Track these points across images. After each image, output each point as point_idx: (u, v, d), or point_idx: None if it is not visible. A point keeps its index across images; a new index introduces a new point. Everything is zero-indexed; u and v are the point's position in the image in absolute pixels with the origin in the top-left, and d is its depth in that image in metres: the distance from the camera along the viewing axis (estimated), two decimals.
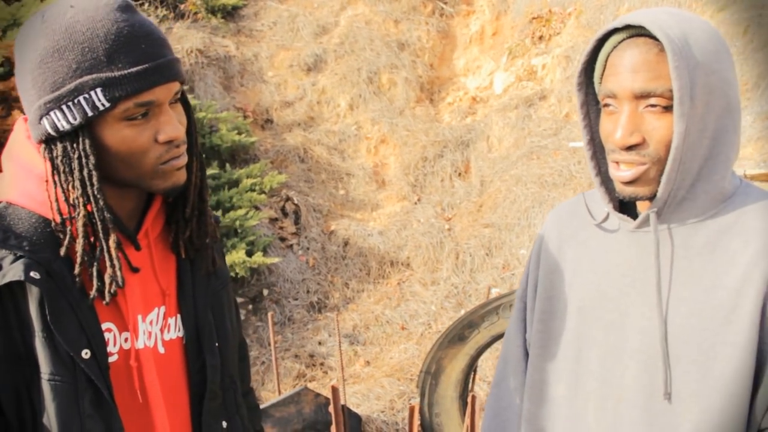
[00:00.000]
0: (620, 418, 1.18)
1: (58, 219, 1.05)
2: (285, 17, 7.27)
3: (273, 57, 6.96)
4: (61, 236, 1.06)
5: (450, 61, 7.32)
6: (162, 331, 1.18)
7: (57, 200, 1.05)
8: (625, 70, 1.10)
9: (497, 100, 6.55)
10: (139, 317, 1.15)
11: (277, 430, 3.21)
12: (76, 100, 1.01)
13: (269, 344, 4.33)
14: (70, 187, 1.05)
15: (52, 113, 1.03)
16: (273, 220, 5.52)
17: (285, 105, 6.61)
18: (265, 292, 5.09)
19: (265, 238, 5.13)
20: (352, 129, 6.49)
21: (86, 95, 1.01)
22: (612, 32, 1.14)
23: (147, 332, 1.16)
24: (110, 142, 1.05)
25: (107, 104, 1.02)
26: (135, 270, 1.13)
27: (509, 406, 1.40)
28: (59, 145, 1.05)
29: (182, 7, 6.85)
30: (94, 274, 1.06)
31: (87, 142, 1.04)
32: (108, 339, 1.10)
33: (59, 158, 1.05)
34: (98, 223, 1.06)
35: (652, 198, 1.15)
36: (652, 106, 1.09)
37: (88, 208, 1.06)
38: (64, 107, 1.02)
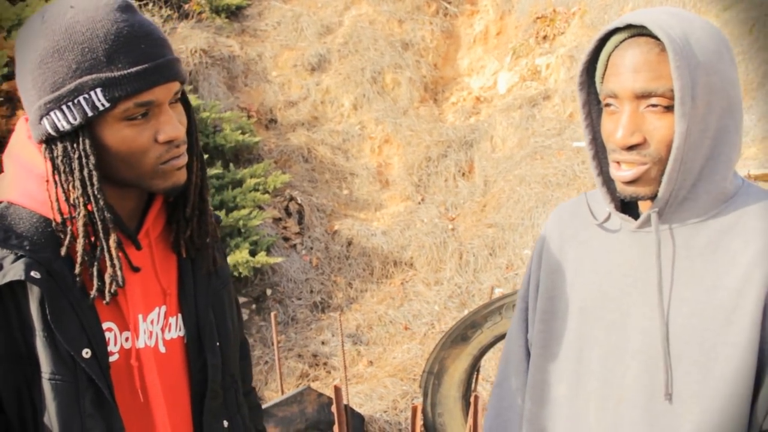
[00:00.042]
0: (621, 418, 1.18)
1: (59, 219, 1.06)
2: (289, 17, 7.27)
3: (277, 57, 6.97)
4: (62, 236, 1.06)
5: (454, 61, 7.31)
6: (163, 330, 1.19)
7: (57, 200, 1.06)
8: (626, 70, 1.10)
9: (501, 100, 6.54)
10: (140, 317, 1.15)
11: (280, 430, 3.21)
12: (76, 101, 1.02)
13: (272, 344, 4.33)
14: (70, 187, 1.06)
15: (52, 113, 1.03)
16: (276, 220, 5.52)
17: (289, 105, 6.61)
18: (269, 291, 5.09)
19: (268, 237, 5.14)
20: (355, 129, 6.49)
21: (86, 95, 1.02)
22: (613, 32, 1.14)
23: (148, 332, 1.16)
24: (110, 142, 1.06)
25: (107, 104, 1.02)
26: (136, 269, 1.14)
27: (511, 406, 1.40)
28: (59, 145, 1.05)
29: (186, 7, 6.86)
30: (95, 273, 1.07)
31: (87, 142, 1.04)
32: (109, 338, 1.10)
33: (60, 158, 1.05)
34: (98, 222, 1.06)
35: (653, 198, 1.14)
36: (653, 106, 1.09)
37: (89, 207, 1.06)
38: (64, 107, 1.02)
